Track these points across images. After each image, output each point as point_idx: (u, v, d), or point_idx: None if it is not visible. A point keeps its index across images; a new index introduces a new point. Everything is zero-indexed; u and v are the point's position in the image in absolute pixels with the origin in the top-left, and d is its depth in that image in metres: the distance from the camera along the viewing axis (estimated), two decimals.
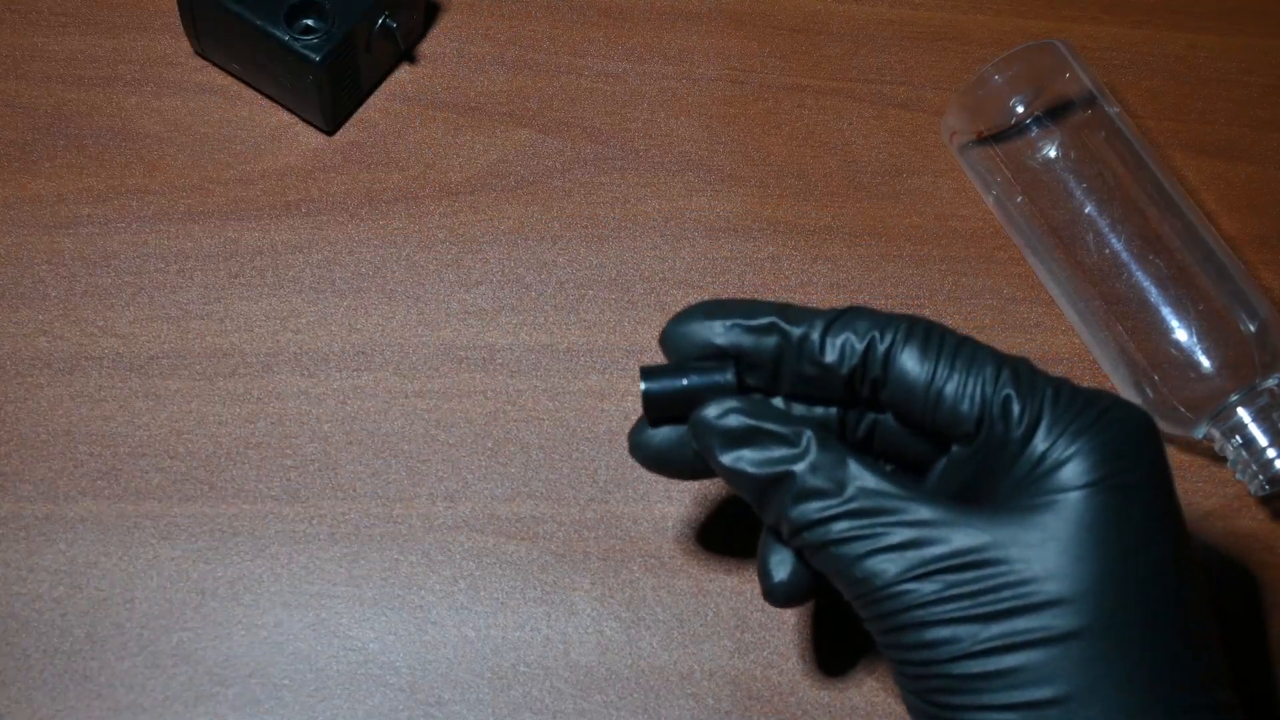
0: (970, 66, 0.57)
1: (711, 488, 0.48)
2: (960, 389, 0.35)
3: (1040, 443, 0.34)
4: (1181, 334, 0.48)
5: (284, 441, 0.47)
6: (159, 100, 0.53)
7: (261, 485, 0.47)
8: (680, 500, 0.47)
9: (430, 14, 0.56)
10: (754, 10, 0.58)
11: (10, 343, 0.48)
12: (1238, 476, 0.48)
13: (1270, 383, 0.47)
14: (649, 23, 0.57)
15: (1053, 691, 0.32)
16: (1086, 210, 0.50)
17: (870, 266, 0.53)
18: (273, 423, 0.48)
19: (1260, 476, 0.47)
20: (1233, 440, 0.47)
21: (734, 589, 0.46)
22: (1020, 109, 0.52)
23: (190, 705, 0.43)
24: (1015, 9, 0.59)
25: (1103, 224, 0.50)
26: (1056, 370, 0.51)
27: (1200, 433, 0.48)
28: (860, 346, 0.36)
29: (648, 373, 0.37)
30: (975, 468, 0.36)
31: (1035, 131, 0.52)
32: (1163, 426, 0.49)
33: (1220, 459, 0.50)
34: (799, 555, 0.37)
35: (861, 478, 0.34)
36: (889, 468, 0.39)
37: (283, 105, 0.53)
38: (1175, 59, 0.59)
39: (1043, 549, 0.33)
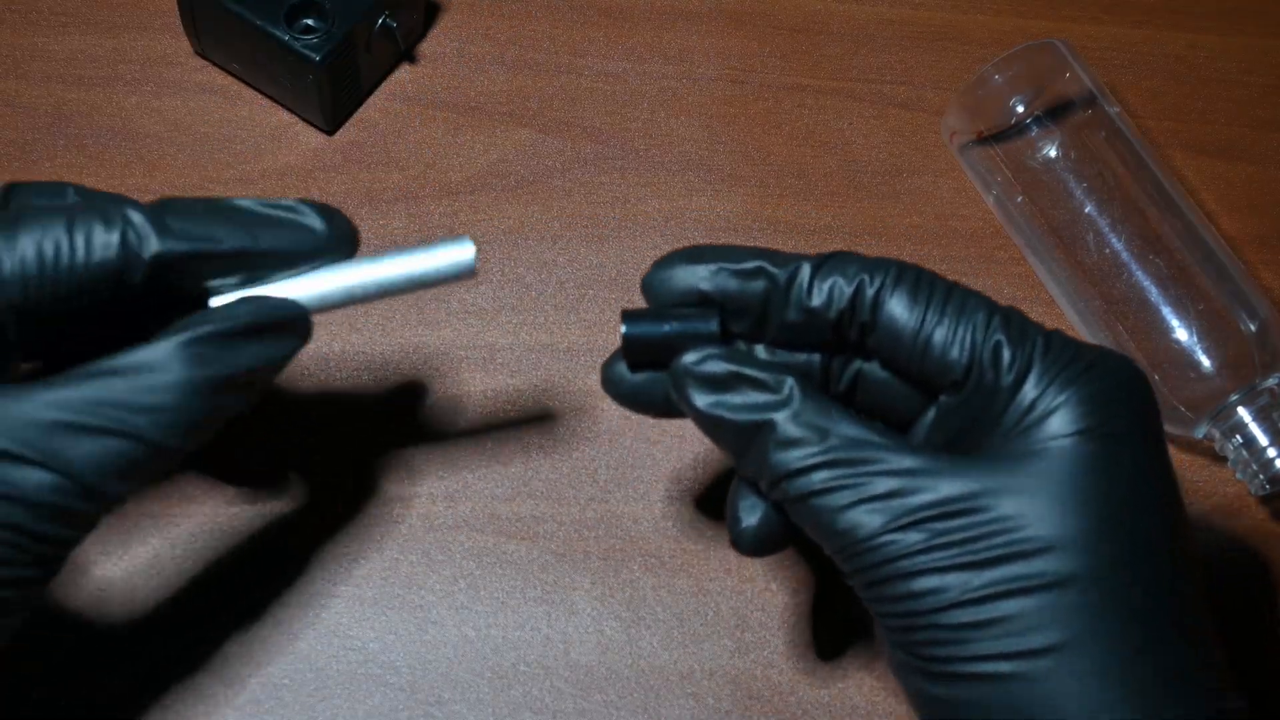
0: (970, 66, 0.57)
1: (711, 487, 0.48)
2: (950, 334, 0.35)
3: (1030, 391, 0.33)
4: (1181, 334, 0.48)
5: (284, 441, 0.47)
6: (159, 100, 0.53)
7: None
8: (681, 500, 0.47)
9: (430, 14, 0.56)
10: (754, 10, 0.58)
11: None
12: (1238, 476, 0.48)
13: (1270, 383, 0.47)
14: (649, 23, 0.57)
15: (1046, 639, 0.32)
16: (1086, 210, 0.50)
17: None
18: (273, 423, 0.48)
19: (1260, 476, 0.47)
20: (1233, 440, 0.47)
21: (734, 589, 0.46)
22: (1020, 109, 0.52)
23: (190, 705, 0.43)
24: (1015, 9, 0.59)
25: (1103, 224, 0.50)
26: None
27: (1200, 433, 0.48)
28: (849, 290, 0.35)
29: (630, 316, 0.36)
30: (963, 418, 0.35)
31: (1035, 131, 0.52)
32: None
33: (1220, 459, 0.50)
34: (774, 505, 0.36)
35: (845, 426, 0.34)
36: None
37: (283, 105, 0.53)
38: (1175, 59, 0.59)
39: (1033, 496, 0.32)
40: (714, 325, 0.36)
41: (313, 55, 0.49)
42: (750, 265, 0.36)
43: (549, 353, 0.50)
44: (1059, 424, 0.33)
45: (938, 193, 0.55)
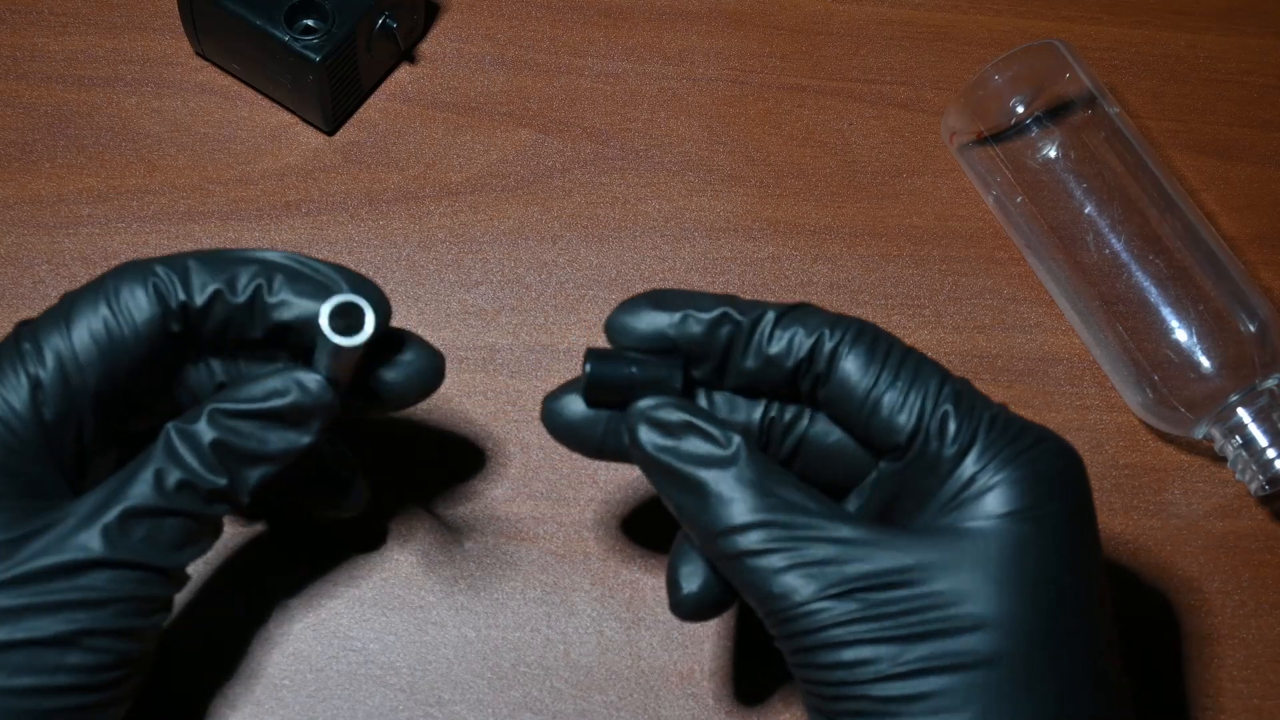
0: (970, 66, 0.57)
1: None
2: (901, 399, 0.35)
3: (970, 466, 0.34)
4: (1181, 334, 0.48)
5: None
6: (159, 100, 0.53)
7: None
8: None
9: (430, 14, 0.56)
10: (754, 10, 0.58)
11: None
12: (1238, 476, 0.48)
13: (1270, 383, 0.47)
14: (649, 23, 0.57)
15: (970, 716, 0.32)
16: (1086, 210, 0.50)
17: (870, 266, 0.53)
18: None
19: (1260, 477, 0.47)
20: (1233, 440, 0.47)
21: None
22: (1020, 109, 0.52)
23: (189, 705, 0.43)
24: (1015, 9, 0.59)
25: (1103, 224, 0.50)
26: (1056, 370, 0.51)
27: (1200, 433, 0.48)
28: (808, 342, 0.36)
29: (595, 355, 0.37)
30: (901, 485, 0.36)
31: (1035, 131, 0.52)
32: (1163, 426, 0.49)
33: (1220, 459, 0.50)
34: (712, 567, 0.36)
35: (786, 490, 0.34)
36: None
37: (283, 105, 0.53)
38: (1175, 59, 0.59)
39: (966, 573, 0.33)
40: (677, 376, 0.36)
41: (313, 55, 0.49)
42: (715, 313, 0.37)
43: (549, 353, 0.50)
44: (994, 503, 0.33)
45: (938, 193, 0.55)
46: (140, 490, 0.34)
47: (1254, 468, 0.47)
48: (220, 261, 0.36)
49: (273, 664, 0.44)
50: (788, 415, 0.38)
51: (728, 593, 0.36)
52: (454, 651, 0.45)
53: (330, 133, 0.53)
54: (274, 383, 0.36)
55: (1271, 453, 0.47)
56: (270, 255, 0.36)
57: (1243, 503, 0.50)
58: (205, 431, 0.35)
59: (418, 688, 0.44)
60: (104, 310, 0.35)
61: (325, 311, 0.34)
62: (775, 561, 0.33)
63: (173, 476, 0.34)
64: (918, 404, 0.35)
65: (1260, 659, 0.47)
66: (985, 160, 0.53)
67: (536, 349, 0.50)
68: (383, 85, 0.55)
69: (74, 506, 0.34)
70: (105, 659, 0.34)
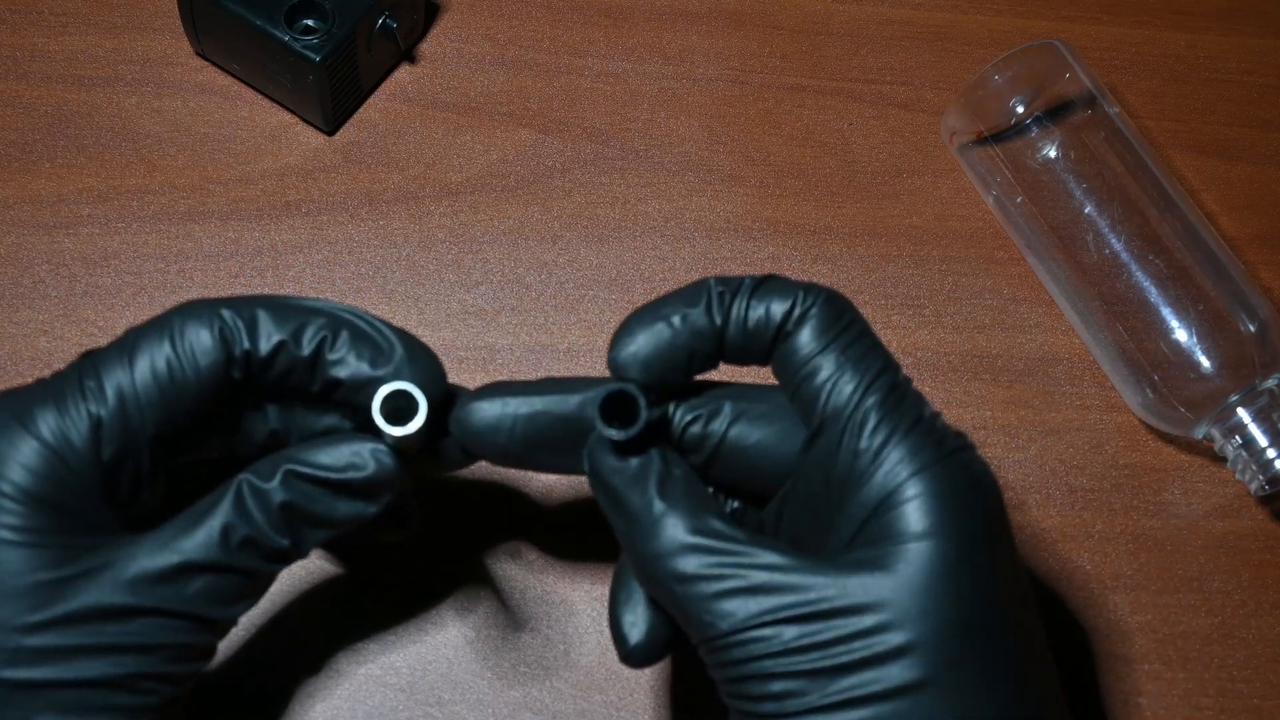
0: (970, 66, 0.57)
1: None
2: (837, 371, 0.35)
3: (887, 473, 0.33)
4: (1181, 334, 0.48)
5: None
6: (159, 100, 0.53)
7: None
8: None
9: (430, 14, 0.56)
10: (754, 10, 0.58)
11: (10, 343, 0.48)
12: (1238, 476, 0.48)
13: (1270, 383, 0.47)
14: (649, 23, 0.57)
15: None
16: (1086, 210, 0.51)
17: (870, 266, 0.53)
18: None
19: (1260, 477, 0.47)
20: (1233, 440, 0.47)
21: None
22: (1020, 109, 0.52)
23: (187, 705, 0.43)
24: (1015, 9, 0.59)
25: (1103, 224, 0.50)
26: (1056, 370, 0.51)
27: (1200, 433, 0.48)
28: (783, 307, 0.36)
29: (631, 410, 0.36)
30: (820, 483, 0.35)
31: (1035, 131, 0.52)
32: (1163, 426, 0.49)
33: (1220, 459, 0.50)
34: (650, 606, 0.36)
35: (719, 522, 0.34)
36: (735, 504, 0.39)
37: (283, 105, 0.53)
38: (1175, 59, 0.59)
39: (891, 600, 0.32)
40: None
41: (313, 55, 0.49)
42: (702, 308, 0.36)
43: (549, 353, 0.50)
44: (914, 518, 0.33)
45: (938, 193, 0.55)
46: (202, 543, 0.34)
47: (1254, 468, 0.47)
48: (288, 311, 0.36)
49: (274, 664, 0.44)
50: (704, 418, 0.37)
51: (673, 633, 0.36)
52: (454, 651, 0.45)
53: (330, 133, 0.53)
54: (351, 454, 0.36)
55: (1271, 453, 0.47)
56: (338, 309, 0.36)
57: (1243, 503, 0.50)
58: (277, 492, 0.35)
59: (418, 688, 0.44)
60: (168, 349, 0.35)
61: (377, 403, 0.35)
62: (706, 588, 0.33)
63: (238, 534, 0.35)
64: (850, 383, 0.34)
65: (1260, 659, 0.47)
66: (985, 160, 0.53)
67: (536, 349, 0.50)
68: (383, 85, 0.55)
69: (132, 549, 0.34)
70: (150, 700, 0.34)
